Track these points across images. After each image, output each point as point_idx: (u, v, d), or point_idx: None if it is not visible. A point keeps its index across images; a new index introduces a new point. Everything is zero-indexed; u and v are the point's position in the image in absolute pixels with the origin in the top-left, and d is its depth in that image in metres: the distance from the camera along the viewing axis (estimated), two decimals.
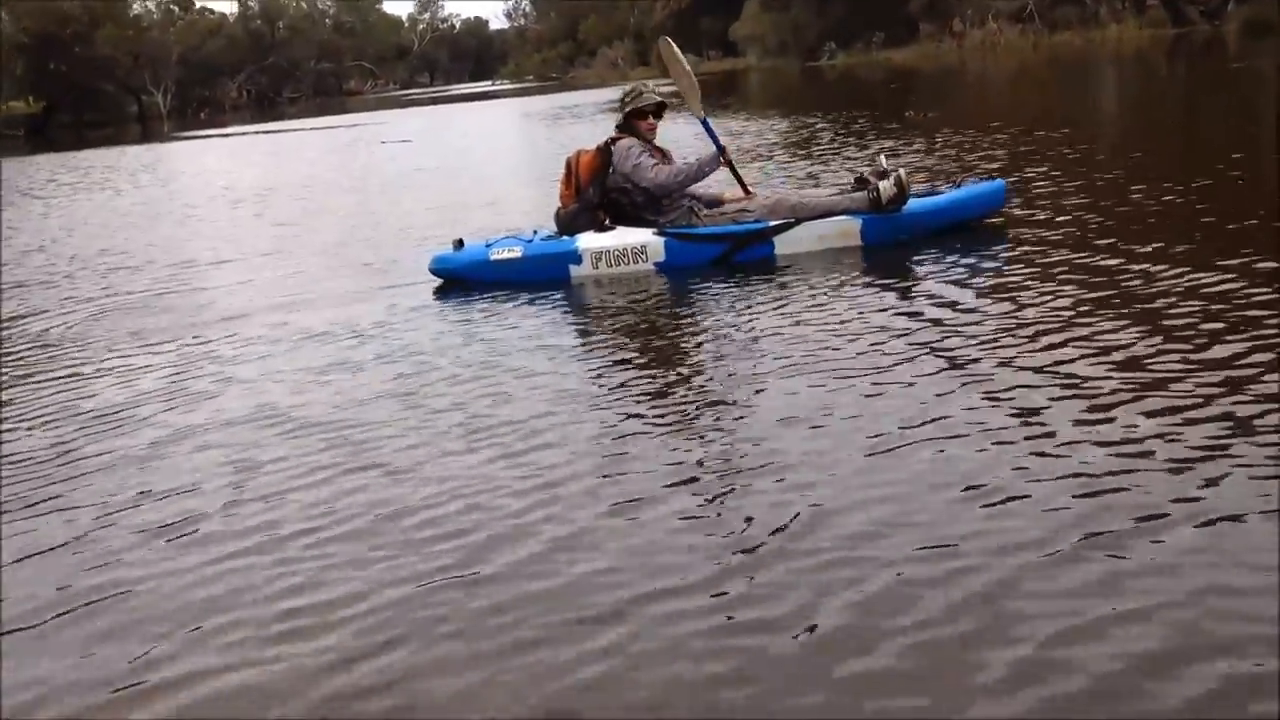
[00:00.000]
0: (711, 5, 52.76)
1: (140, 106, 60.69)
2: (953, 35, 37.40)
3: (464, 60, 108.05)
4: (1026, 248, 5.71)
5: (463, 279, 6.43)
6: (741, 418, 3.67)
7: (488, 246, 6.46)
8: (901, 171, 6.15)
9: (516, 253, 6.37)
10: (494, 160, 16.72)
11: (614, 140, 6.35)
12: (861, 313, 4.82)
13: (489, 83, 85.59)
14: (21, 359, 5.95)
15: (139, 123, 55.50)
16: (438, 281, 6.52)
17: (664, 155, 6.41)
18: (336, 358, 5.07)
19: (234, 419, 4.29)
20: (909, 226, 6.16)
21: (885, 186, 6.03)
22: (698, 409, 3.81)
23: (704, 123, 6.63)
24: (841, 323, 4.70)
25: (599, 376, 4.36)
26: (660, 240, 6.21)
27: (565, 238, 6.37)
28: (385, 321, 5.75)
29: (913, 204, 6.16)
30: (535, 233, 6.60)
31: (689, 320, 5.25)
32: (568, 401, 4.04)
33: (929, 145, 10.75)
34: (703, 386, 4.08)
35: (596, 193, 6.33)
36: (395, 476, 3.47)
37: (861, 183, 6.20)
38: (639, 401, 3.96)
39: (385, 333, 5.50)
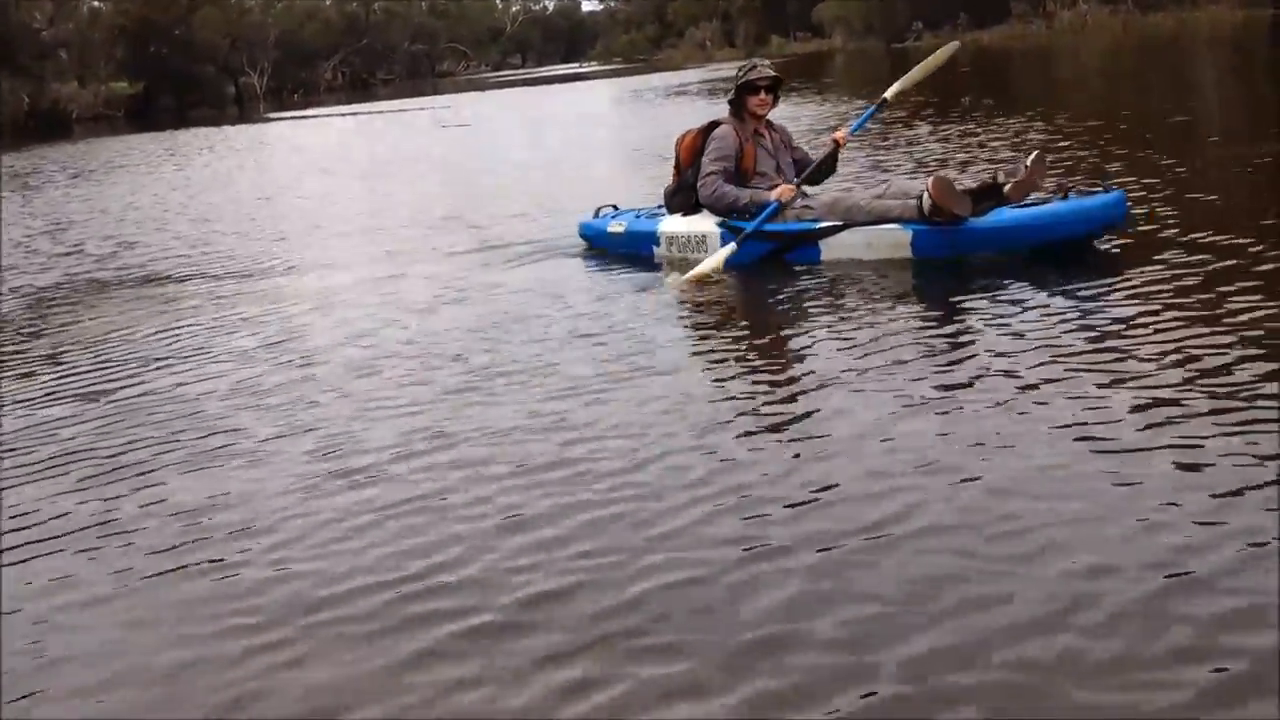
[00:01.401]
0: None
1: (238, 89, 62.23)
2: (1043, 15, 36.49)
3: (556, 42, 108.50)
4: (1130, 268, 4.93)
5: (596, 245, 6.86)
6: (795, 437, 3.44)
7: (611, 218, 6.78)
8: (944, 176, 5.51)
9: (622, 227, 6.64)
10: (593, 141, 16.79)
11: (717, 122, 6.18)
12: (920, 326, 4.44)
13: (577, 65, 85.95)
14: (192, 301, 6.74)
15: (236, 104, 56.93)
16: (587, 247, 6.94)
17: (774, 135, 6.18)
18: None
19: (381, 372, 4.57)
20: (980, 242, 5.38)
21: (925, 196, 5.40)
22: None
23: (875, 107, 6.39)
24: (888, 336, 4.33)
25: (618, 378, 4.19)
26: (718, 232, 6.06)
27: (663, 217, 6.47)
28: (511, 284, 6.19)
29: (1000, 215, 5.39)
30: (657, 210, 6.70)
31: (734, 319, 5.11)
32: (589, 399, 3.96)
33: (984, 136, 10.38)
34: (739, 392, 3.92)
35: (693, 174, 6.22)
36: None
37: (992, 190, 5.47)
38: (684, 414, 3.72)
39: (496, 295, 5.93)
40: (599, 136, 17.39)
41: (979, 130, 11.07)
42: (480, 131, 21.29)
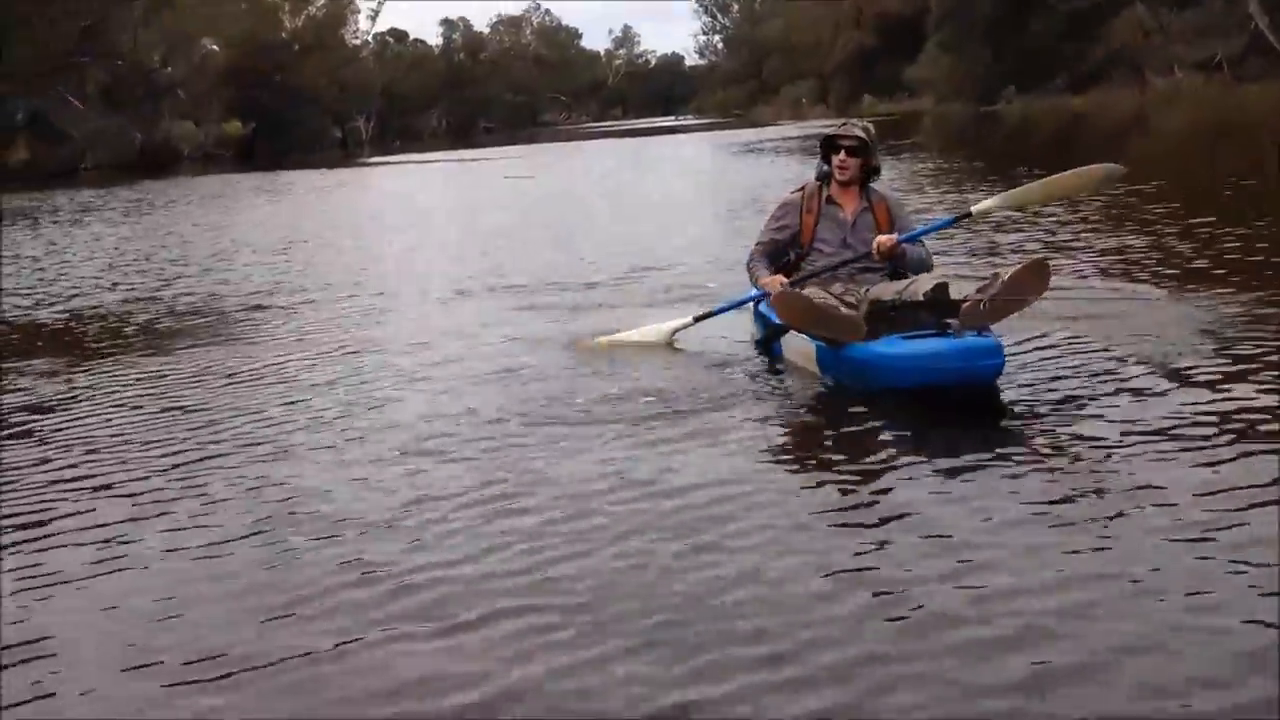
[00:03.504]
0: (890, 47, 52.44)
1: (343, 133, 64.33)
2: (1138, 82, 36.19)
3: (656, 95, 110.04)
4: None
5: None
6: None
7: None
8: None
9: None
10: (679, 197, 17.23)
11: (803, 187, 5.52)
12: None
13: (673, 118, 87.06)
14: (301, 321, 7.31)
15: (341, 148, 58.90)
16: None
17: (857, 205, 5.32)
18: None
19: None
20: (849, 373, 4.63)
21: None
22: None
23: (951, 219, 5.93)
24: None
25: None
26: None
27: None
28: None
29: (881, 343, 4.49)
30: None
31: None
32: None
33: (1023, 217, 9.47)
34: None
35: None
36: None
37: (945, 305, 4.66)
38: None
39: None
40: (671, 189, 17.83)
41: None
42: (540, 184, 21.73)
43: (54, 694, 2.65)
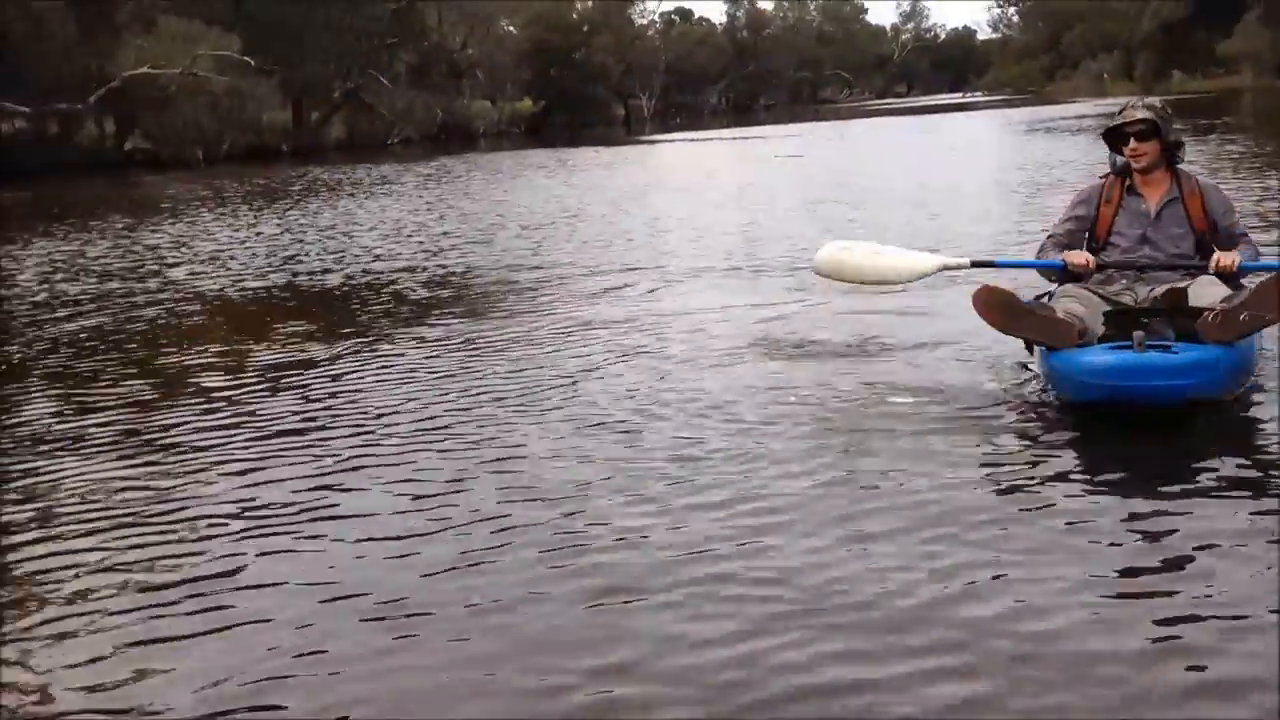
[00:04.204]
0: (1206, 15, 48.42)
1: (626, 110, 65.96)
2: None
3: (944, 70, 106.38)
4: None
5: None
6: None
7: None
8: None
9: None
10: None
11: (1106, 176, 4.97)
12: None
13: (961, 94, 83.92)
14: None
15: (624, 125, 60.49)
16: None
17: (1160, 195, 4.72)
18: None
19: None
20: (1051, 382, 4.43)
21: None
22: None
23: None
24: None
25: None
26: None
27: None
28: None
29: (1078, 351, 4.17)
30: None
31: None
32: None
33: None
34: None
35: None
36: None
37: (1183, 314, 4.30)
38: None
39: None
40: (946, 170, 17.24)
41: None
42: (809, 163, 21.44)
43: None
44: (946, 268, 5.12)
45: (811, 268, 5.33)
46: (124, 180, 28.60)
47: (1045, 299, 4.70)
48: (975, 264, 5.08)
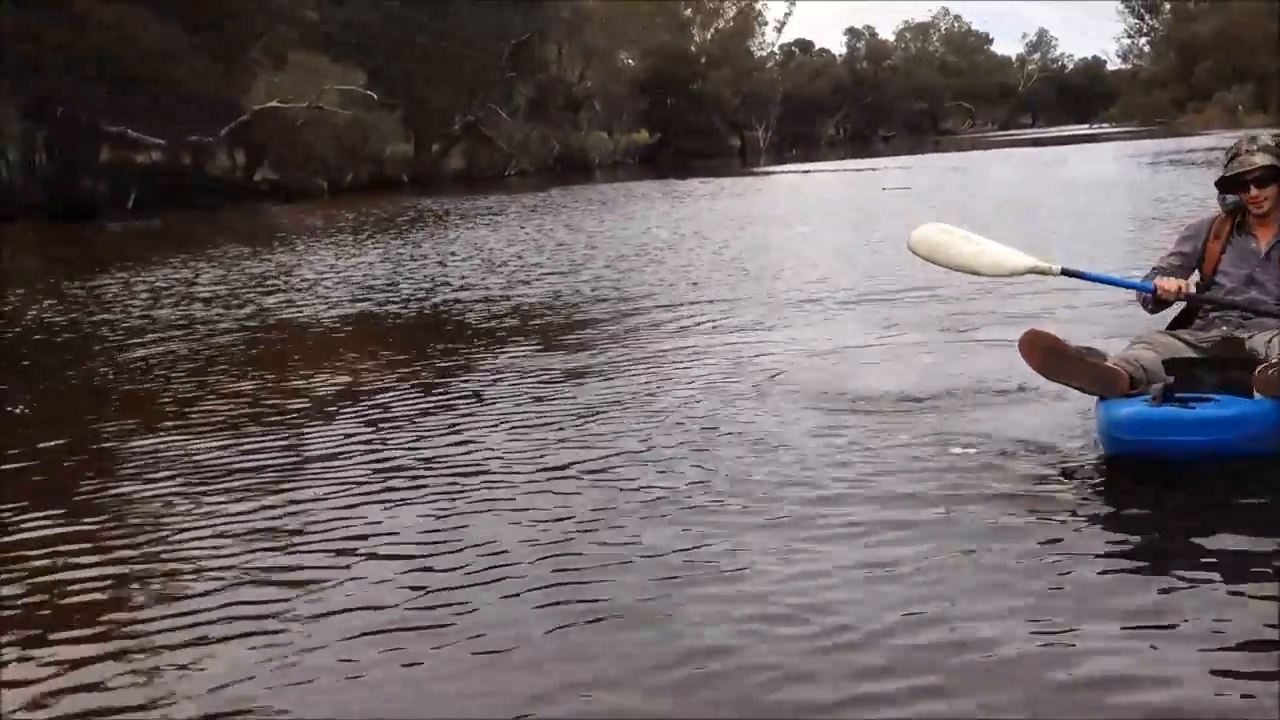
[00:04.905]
0: None
1: (742, 140, 66.12)
2: None
3: (1069, 101, 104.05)
4: None
5: None
6: None
7: None
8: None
9: None
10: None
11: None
12: None
13: (1086, 126, 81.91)
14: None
15: (740, 156, 60.63)
16: None
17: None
18: None
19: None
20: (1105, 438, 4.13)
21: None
22: None
23: None
24: None
25: None
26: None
27: None
28: None
29: (1123, 402, 4.00)
30: None
31: None
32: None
33: None
34: None
35: None
36: None
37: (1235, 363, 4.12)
38: None
39: None
40: (1067, 204, 16.88)
41: None
42: (915, 196, 21.09)
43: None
44: (1036, 270, 4.89)
45: (908, 244, 5.21)
46: (249, 210, 29.81)
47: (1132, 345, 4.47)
48: (1065, 272, 4.85)
